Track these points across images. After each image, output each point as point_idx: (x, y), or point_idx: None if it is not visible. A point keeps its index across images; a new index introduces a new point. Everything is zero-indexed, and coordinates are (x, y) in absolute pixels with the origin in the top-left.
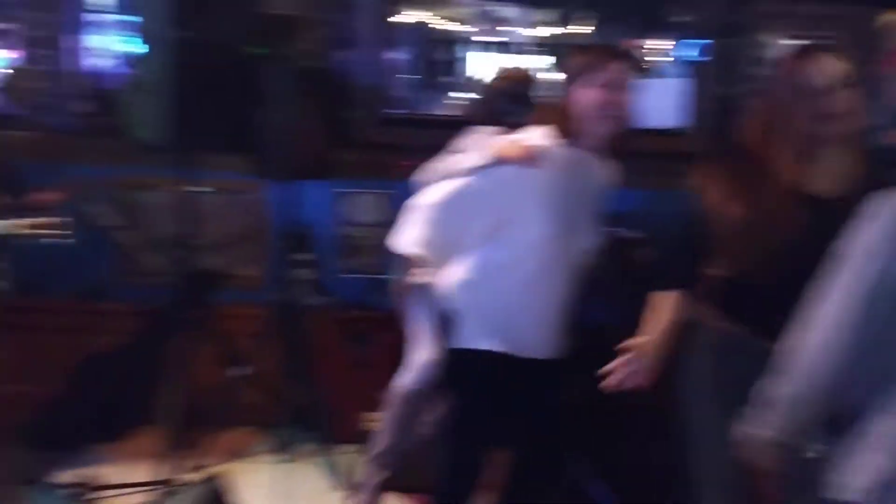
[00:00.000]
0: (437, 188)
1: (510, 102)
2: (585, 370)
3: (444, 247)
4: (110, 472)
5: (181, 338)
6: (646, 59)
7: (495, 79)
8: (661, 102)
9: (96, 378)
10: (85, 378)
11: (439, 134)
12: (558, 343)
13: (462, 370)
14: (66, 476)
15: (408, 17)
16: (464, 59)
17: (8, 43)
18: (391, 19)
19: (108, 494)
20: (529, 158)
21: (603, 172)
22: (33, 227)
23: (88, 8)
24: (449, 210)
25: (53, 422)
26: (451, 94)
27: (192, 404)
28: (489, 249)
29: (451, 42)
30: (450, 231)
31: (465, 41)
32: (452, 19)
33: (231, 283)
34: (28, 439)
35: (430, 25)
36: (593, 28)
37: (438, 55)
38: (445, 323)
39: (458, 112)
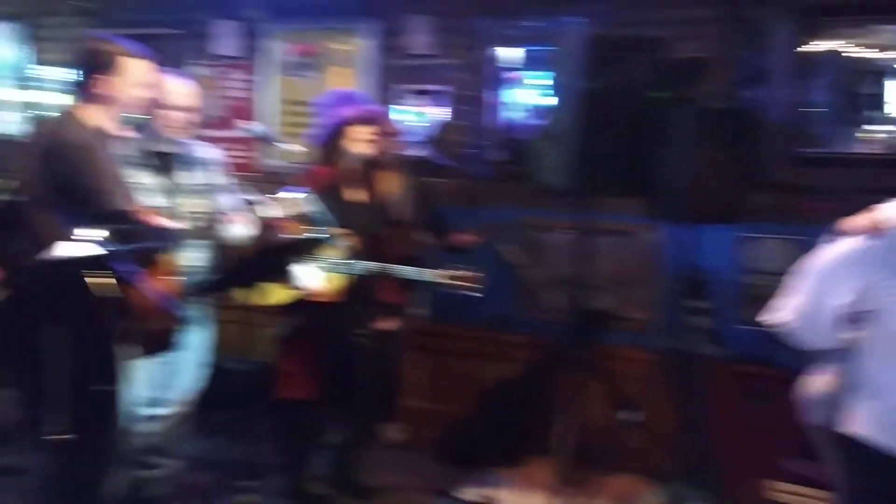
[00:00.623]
0: (819, 252)
1: None
2: None
3: (814, 320)
4: (507, 496)
5: (573, 373)
6: None
7: None
8: None
9: (498, 403)
10: (488, 402)
11: (858, 174)
12: None
13: (852, 460)
14: (470, 493)
15: (820, 46)
16: (887, 90)
17: (437, 102)
18: (802, 50)
19: None
20: (871, 229)
21: None
22: (450, 278)
23: (505, 67)
24: (817, 279)
25: (460, 440)
26: (873, 130)
27: (583, 442)
28: (867, 329)
29: (872, 71)
30: (816, 304)
31: (889, 69)
32: (872, 46)
33: (619, 325)
34: (438, 453)
35: (846, 54)
36: None
37: (857, 86)
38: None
39: (881, 149)
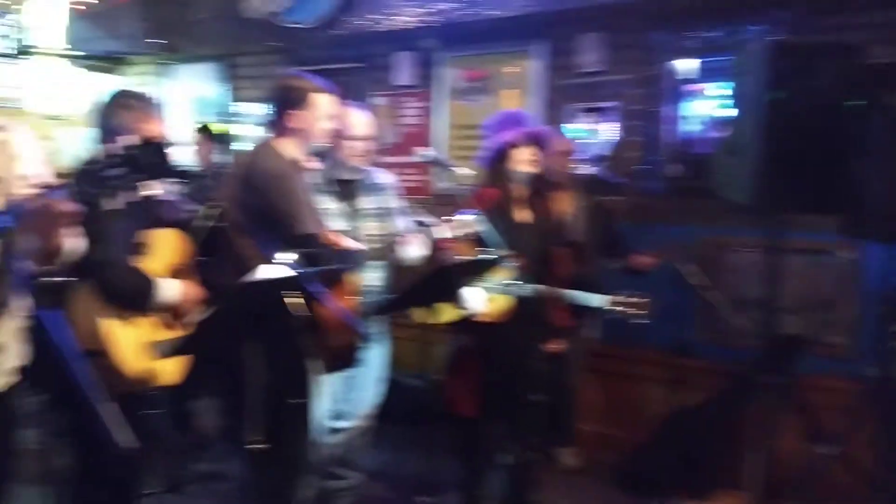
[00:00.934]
0: None
1: None
2: None
3: None
4: None
5: (764, 403)
6: None
7: None
8: None
9: (679, 431)
10: (668, 429)
11: None
12: None
13: None
14: None
15: None
16: None
17: (610, 119)
18: None
19: None
20: None
21: None
22: (618, 304)
23: (681, 79)
24: None
25: (641, 467)
26: None
27: (776, 476)
28: None
29: None
30: None
31: None
32: None
33: (815, 351)
34: (618, 480)
35: None
36: None
37: None
38: None
39: None
